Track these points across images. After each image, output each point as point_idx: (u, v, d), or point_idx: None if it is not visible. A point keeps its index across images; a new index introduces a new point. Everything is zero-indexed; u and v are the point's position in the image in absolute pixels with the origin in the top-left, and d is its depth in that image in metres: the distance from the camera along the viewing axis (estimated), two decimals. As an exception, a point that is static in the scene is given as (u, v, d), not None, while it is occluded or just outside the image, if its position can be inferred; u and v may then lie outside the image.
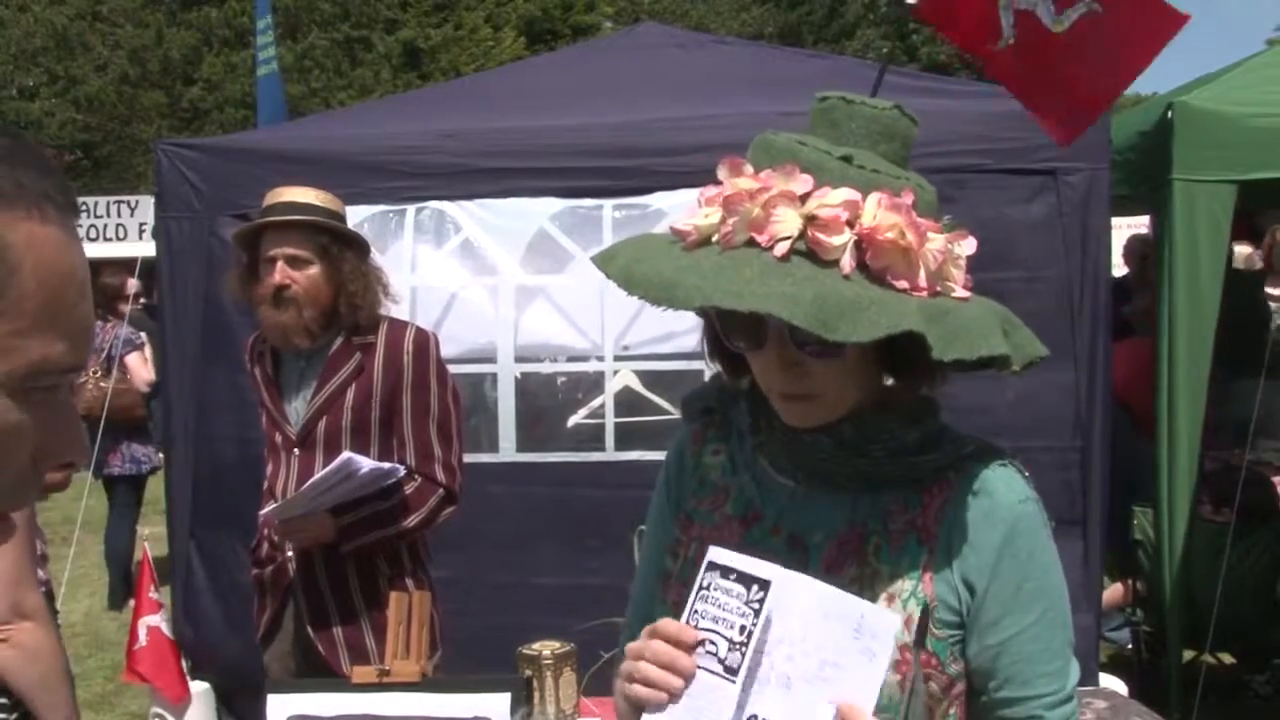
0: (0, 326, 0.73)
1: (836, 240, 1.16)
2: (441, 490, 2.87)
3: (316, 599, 2.86)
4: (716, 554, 1.21)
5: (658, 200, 4.18)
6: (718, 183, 1.24)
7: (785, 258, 1.17)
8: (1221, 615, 4.02)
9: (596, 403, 4.22)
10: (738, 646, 1.16)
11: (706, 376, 4.39)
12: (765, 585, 1.16)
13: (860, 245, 1.17)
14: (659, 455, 4.55)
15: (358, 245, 2.90)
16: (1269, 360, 4.54)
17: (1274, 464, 4.64)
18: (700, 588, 1.20)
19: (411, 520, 2.83)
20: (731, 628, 1.17)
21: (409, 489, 2.84)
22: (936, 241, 1.20)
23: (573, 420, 4.23)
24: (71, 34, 18.41)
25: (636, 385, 4.23)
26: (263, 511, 2.85)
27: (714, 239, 1.23)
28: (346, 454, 2.71)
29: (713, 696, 1.16)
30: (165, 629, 3.98)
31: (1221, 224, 4.22)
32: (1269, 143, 4.18)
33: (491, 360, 4.24)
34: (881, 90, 4.69)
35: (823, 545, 1.29)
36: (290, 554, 2.86)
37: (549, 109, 4.49)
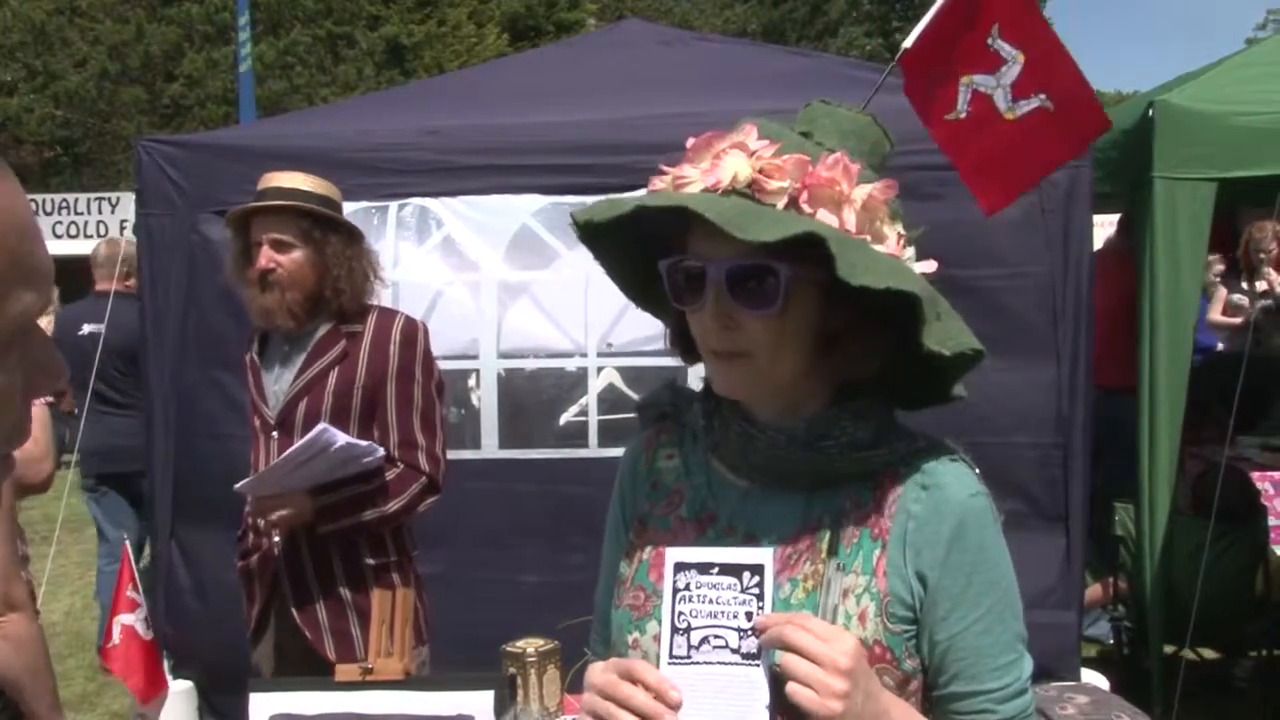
0: None
1: (776, 184, 1.22)
2: (424, 478, 2.89)
3: (300, 580, 2.86)
4: (681, 554, 1.24)
5: (641, 197, 4.18)
6: None
7: (726, 195, 1.24)
8: (1201, 610, 4.05)
9: (583, 401, 4.22)
10: (750, 633, 1.19)
11: (690, 374, 4.37)
12: (759, 570, 1.20)
13: (795, 193, 1.23)
14: (643, 452, 4.41)
15: (343, 230, 2.92)
16: (1249, 355, 4.57)
17: (1254, 460, 4.67)
18: (675, 590, 1.21)
19: (392, 506, 2.84)
20: (735, 617, 1.19)
21: (390, 475, 2.85)
22: (865, 187, 1.24)
23: (564, 419, 4.23)
24: (50, 29, 18.29)
25: (619, 383, 4.23)
26: (239, 484, 2.85)
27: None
28: (322, 425, 2.72)
29: (741, 685, 1.18)
30: (140, 628, 3.95)
31: (1202, 222, 4.25)
32: (1249, 141, 4.21)
33: (474, 357, 4.23)
34: (862, 88, 4.70)
35: (776, 544, 1.30)
36: (276, 538, 2.86)
37: (532, 106, 4.49)
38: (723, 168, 1.24)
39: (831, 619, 1.24)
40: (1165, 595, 4.35)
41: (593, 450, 4.17)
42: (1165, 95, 4.41)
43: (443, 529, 3.26)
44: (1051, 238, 3.99)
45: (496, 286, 4.28)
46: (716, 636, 1.19)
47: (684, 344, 1.40)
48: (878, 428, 1.30)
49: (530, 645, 2.45)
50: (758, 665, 1.18)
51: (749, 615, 1.19)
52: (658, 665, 1.22)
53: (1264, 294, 6.48)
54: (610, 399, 4.22)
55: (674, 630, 1.22)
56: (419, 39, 19.91)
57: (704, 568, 1.21)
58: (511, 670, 2.39)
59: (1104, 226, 7.70)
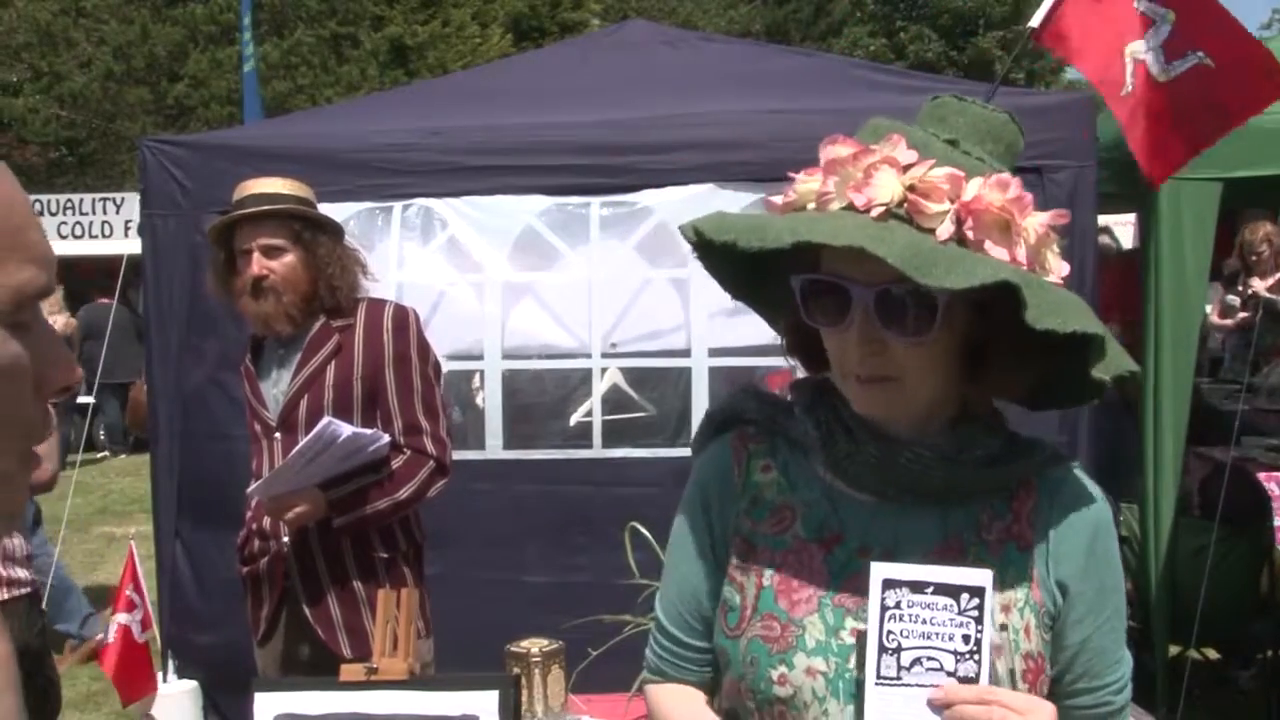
0: None
1: (936, 207, 1.14)
2: (432, 462, 2.87)
3: (312, 578, 2.85)
4: (890, 570, 1.19)
5: (645, 198, 4.18)
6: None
7: (882, 219, 1.15)
8: (1206, 611, 4.04)
9: (587, 401, 4.22)
10: (967, 656, 1.16)
11: (693, 375, 4.36)
12: (979, 592, 1.17)
13: (959, 217, 1.15)
14: (645, 452, 4.53)
15: (330, 229, 2.92)
16: (1253, 357, 4.56)
17: (1259, 460, 4.66)
18: (884, 608, 1.18)
19: (403, 492, 2.83)
20: (950, 639, 1.17)
21: (398, 462, 2.84)
22: (1038, 217, 1.18)
23: (574, 419, 4.23)
24: (55, 30, 18.29)
25: (623, 383, 4.23)
26: (250, 488, 2.84)
27: (810, 206, 1.21)
28: (326, 418, 2.71)
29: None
30: (135, 629, 3.96)
31: (1207, 221, 4.24)
32: (1254, 141, 4.19)
33: (478, 358, 4.24)
34: (867, 88, 4.69)
35: (918, 562, 1.25)
36: (285, 538, 2.85)
37: (536, 106, 4.49)
38: (875, 187, 1.15)
39: (1001, 636, 1.22)
40: (1170, 596, 4.34)
41: (597, 451, 4.16)
42: (1170, 95, 4.40)
43: (447, 529, 3.26)
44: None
45: (500, 287, 4.28)
46: (930, 658, 1.17)
47: (804, 351, 1.33)
48: (1005, 440, 1.29)
49: (534, 645, 2.45)
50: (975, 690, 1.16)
51: (966, 639, 1.16)
52: (827, 692, 1.21)
53: (1252, 297, 6.50)
54: (614, 399, 4.22)
55: (882, 649, 1.18)
56: (423, 39, 19.90)
57: (917, 586, 1.18)
58: (516, 670, 2.39)
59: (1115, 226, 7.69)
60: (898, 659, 1.17)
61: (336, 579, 2.85)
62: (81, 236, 12.31)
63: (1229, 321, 6.68)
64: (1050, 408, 1.33)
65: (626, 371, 4.24)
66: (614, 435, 4.17)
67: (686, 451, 4.29)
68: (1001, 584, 1.23)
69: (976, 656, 1.16)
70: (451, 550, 3.73)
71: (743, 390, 1.41)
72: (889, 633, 1.17)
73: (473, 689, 1.83)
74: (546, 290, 4.31)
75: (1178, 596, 4.33)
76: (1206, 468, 4.70)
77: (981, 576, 1.17)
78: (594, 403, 4.20)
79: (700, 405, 4.09)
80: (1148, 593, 4.43)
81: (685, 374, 4.12)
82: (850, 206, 1.16)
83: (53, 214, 12.60)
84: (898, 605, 1.17)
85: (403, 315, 2.92)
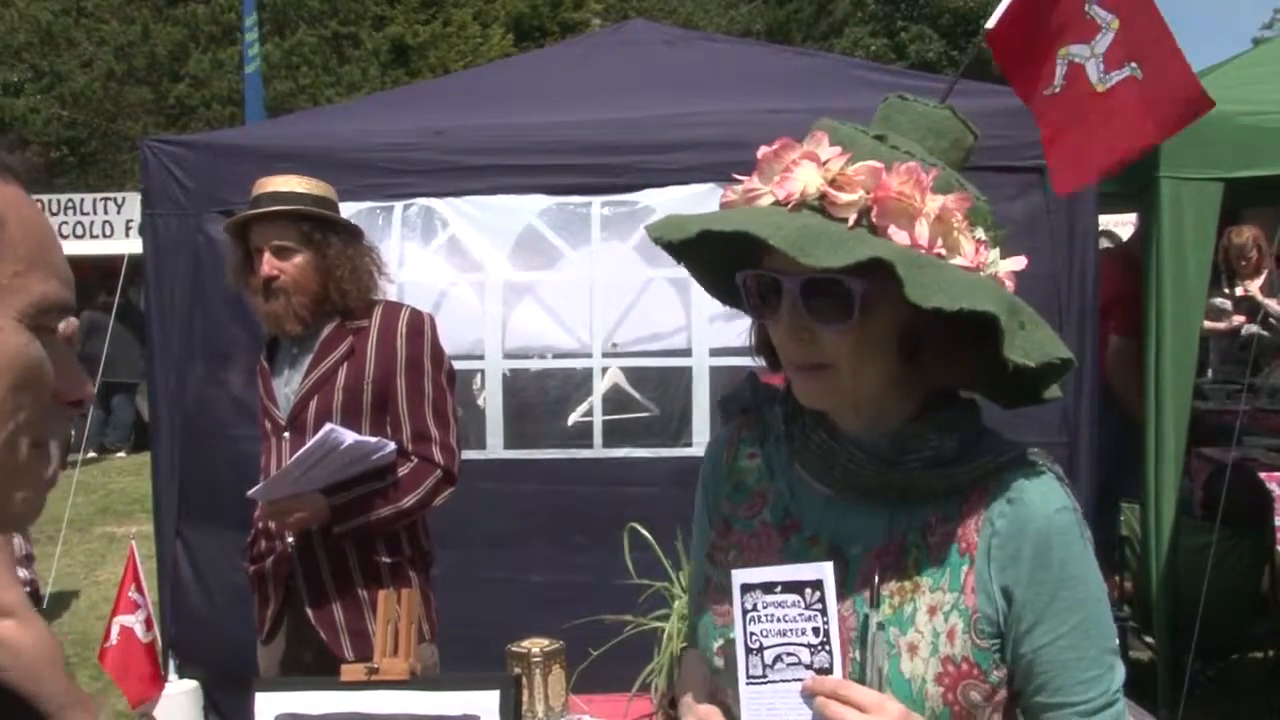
0: (4, 269, 0.82)
1: (847, 198, 1.18)
2: (439, 471, 2.86)
3: (316, 581, 2.85)
4: (746, 575, 1.25)
5: (646, 197, 4.18)
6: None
7: (796, 209, 1.20)
8: (1207, 611, 4.04)
9: (588, 401, 4.22)
10: (820, 648, 1.20)
11: (694, 374, 4.36)
12: (819, 585, 1.21)
13: (867, 206, 1.19)
14: (646, 452, 4.52)
15: (343, 230, 2.91)
16: (1253, 358, 4.56)
17: (1260, 460, 4.66)
18: (744, 611, 1.23)
19: (407, 501, 2.82)
20: (803, 634, 1.21)
21: (404, 470, 2.83)
22: (938, 200, 1.20)
23: (572, 419, 4.23)
24: (56, 30, 18.29)
25: (624, 383, 4.23)
26: (251, 490, 2.84)
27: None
28: (329, 425, 2.70)
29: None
30: (138, 630, 3.97)
31: (1208, 222, 4.24)
32: (1256, 141, 4.19)
33: (479, 357, 4.24)
34: (867, 88, 4.68)
35: (860, 557, 1.28)
36: (290, 539, 2.85)
37: (537, 106, 4.49)
38: (793, 180, 1.21)
39: (919, 636, 1.24)
40: (1171, 596, 4.34)
41: (597, 451, 4.16)
42: (1171, 95, 4.39)
43: (448, 529, 3.26)
44: (1056, 237, 3.99)
45: (501, 287, 4.29)
46: (789, 654, 1.21)
47: (768, 352, 1.37)
48: (964, 439, 1.28)
49: (535, 645, 2.45)
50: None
51: (816, 631, 1.20)
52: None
53: (1243, 299, 6.49)
54: (615, 399, 4.22)
55: (748, 651, 1.23)
56: (424, 39, 19.90)
57: (768, 587, 1.23)
58: (517, 670, 2.40)
59: (1115, 226, 7.69)
60: (762, 658, 1.23)
61: (340, 582, 2.85)
62: (83, 236, 12.30)
63: (1221, 325, 6.67)
64: (1017, 405, 1.34)
65: (628, 371, 4.23)
66: (615, 435, 4.16)
67: (687, 451, 4.31)
68: (933, 587, 1.25)
69: (828, 648, 1.20)
70: (452, 550, 3.72)
71: (745, 379, 1.47)
72: (751, 634, 1.23)
73: (473, 689, 1.83)
74: (547, 290, 4.31)
75: (1179, 596, 4.33)
76: (1209, 468, 4.70)
77: (820, 570, 1.21)
78: (595, 402, 4.20)
79: (702, 405, 4.09)
80: (1148, 592, 4.43)
81: (686, 374, 4.12)
82: (776, 202, 1.22)
83: (54, 214, 12.59)
84: (755, 607, 1.23)
85: (418, 320, 2.91)
